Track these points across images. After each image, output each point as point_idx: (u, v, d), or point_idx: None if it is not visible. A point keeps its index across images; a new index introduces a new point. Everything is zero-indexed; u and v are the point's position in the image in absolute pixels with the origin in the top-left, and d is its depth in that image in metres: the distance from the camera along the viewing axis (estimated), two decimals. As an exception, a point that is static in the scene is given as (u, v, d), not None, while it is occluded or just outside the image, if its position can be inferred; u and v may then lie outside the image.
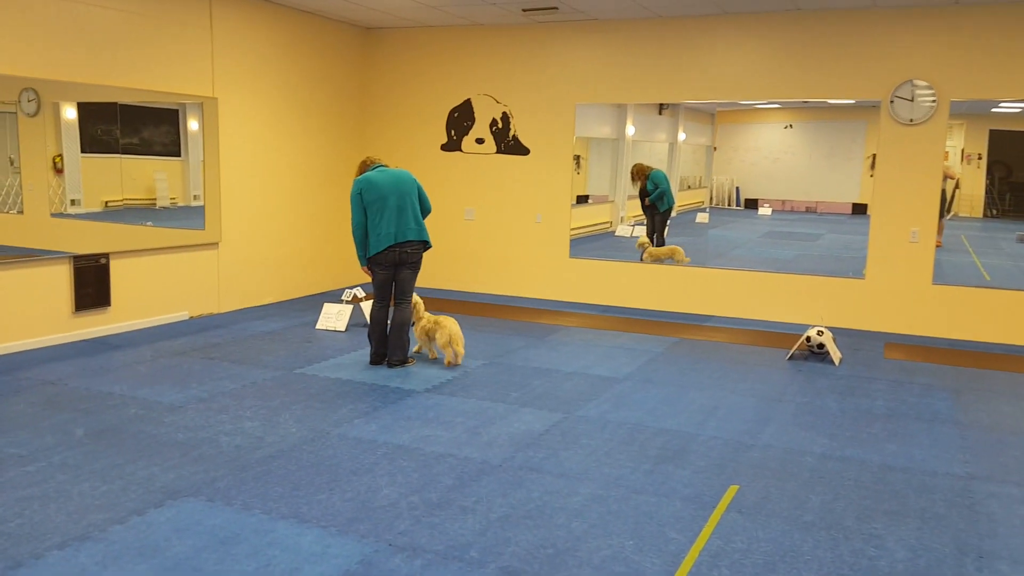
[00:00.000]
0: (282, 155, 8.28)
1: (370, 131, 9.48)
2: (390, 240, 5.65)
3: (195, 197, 7.53)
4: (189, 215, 7.45)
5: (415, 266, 5.82)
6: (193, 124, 7.40)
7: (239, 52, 7.59)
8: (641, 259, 8.77)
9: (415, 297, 5.94)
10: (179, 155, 7.51)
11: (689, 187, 10.33)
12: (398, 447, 4.29)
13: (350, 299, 7.32)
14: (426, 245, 5.83)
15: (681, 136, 9.89)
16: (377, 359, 5.91)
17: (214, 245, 7.54)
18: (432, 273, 9.33)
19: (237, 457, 4.09)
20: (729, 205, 10.04)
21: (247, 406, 4.90)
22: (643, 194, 9.32)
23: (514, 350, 6.48)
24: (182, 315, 7.25)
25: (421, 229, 5.78)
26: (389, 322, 5.86)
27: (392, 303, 5.88)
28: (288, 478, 3.86)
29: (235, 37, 7.53)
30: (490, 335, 7.00)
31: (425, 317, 5.98)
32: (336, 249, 9.13)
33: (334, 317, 7.04)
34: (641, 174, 9.25)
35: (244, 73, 7.68)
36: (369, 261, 5.76)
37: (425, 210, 5.86)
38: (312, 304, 8.12)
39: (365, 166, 5.87)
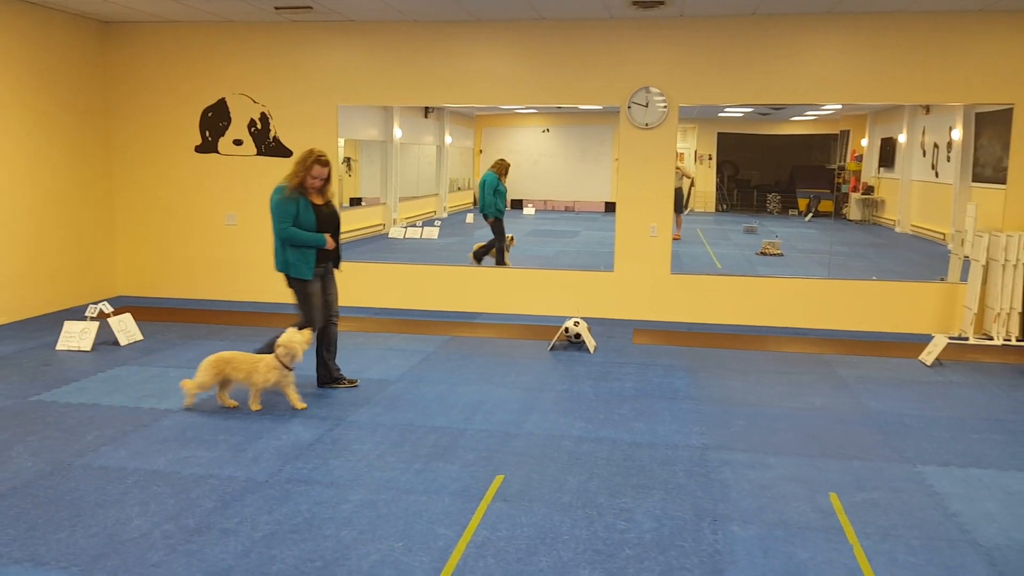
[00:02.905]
0: (8, 160, 7.41)
1: (116, 132, 8.75)
2: None
3: None
4: None
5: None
6: None
7: (-55, 43, 6.70)
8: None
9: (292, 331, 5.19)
10: None
11: (459, 188, 10.58)
12: (152, 473, 4.03)
13: (96, 315, 6.72)
14: (286, 276, 5.31)
15: (448, 139, 10.10)
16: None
17: (-77, 262, 6.62)
18: (194, 283, 8.81)
19: (-43, 502, 3.64)
20: (495, 205, 10.40)
21: (-30, 443, 4.36)
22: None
23: (282, 359, 6.28)
24: None
25: (276, 255, 5.27)
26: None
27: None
28: (22, 518, 3.49)
29: (-61, 26, 6.64)
30: (258, 346, 6.74)
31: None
32: (78, 262, 8.34)
33: (77, 336, 6.44)
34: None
35: (-47, 67, 6.79)
36: None
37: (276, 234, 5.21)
38: (51, 323, 7.36)
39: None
